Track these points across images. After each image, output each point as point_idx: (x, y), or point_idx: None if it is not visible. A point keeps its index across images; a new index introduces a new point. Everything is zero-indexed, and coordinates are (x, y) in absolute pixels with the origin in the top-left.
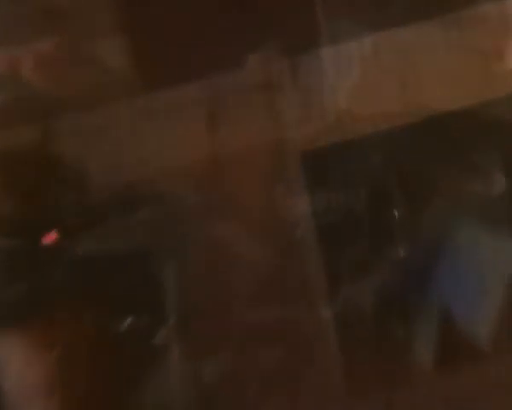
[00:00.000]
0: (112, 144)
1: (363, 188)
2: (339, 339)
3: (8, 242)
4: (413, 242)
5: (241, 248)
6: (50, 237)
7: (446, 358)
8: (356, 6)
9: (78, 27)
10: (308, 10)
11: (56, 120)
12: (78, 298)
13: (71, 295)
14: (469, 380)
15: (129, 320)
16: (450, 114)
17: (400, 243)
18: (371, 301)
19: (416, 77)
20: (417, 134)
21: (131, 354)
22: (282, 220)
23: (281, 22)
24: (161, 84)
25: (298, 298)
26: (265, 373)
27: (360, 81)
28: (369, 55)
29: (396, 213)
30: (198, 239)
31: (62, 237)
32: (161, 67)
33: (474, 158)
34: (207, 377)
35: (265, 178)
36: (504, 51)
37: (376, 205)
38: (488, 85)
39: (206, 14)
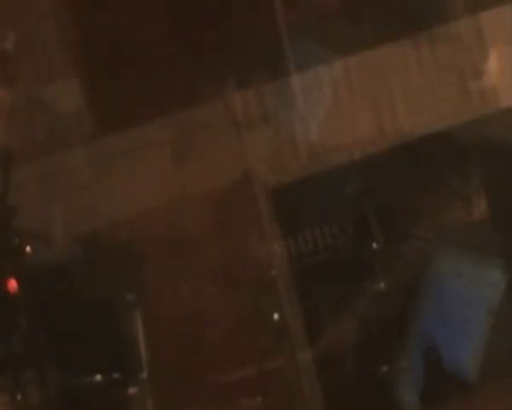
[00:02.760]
0: (72, 191)
1: (338, 222)
2: (320, 383)
3: None
4: (394, 274)
5: (212, 294)
6: (10, 285)
7: (433, 394)
8: (323, 28)
9: (31, 73)
10: (271, 36)
11: (16, 171)
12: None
13: (36, 351)
14: None
15: (99, 376)
16: (427, 138)
17: (380, 277)
18: (352, 339)
19: (389, 100)
20: (393, 161)
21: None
22: (255, 262)
23: (242, 51)
24: (120, 125)
25: (275, 343)
26: None
27: (331, 108)
28: (340, 80)
29: (375, 246)
30: (164, 286)
31: (24, 288)
32: (119, 107)
33: (452, 183)
34: None
35: (235, 218)
36: (481, 67)
37: (353, 239)
38: (465, 105)
39: (165, 51)
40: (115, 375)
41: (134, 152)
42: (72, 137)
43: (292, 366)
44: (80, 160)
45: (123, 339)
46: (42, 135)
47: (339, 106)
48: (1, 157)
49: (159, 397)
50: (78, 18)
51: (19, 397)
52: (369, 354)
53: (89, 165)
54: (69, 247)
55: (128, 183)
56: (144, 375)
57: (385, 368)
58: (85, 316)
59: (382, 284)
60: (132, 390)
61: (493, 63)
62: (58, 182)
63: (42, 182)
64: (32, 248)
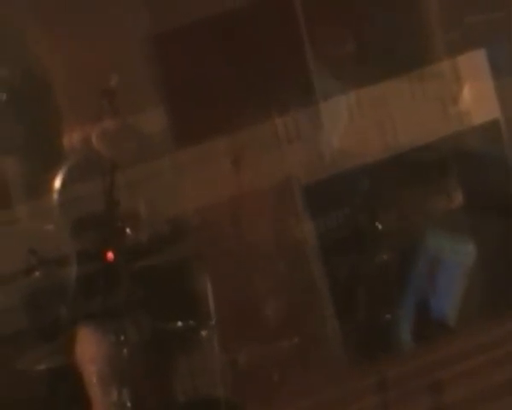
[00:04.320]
0: (156, 189)
1: (353, 210)
2: (340, 328)
3: (83, 267)
4: (394, 248)
5: (261, 263)
6: (109, 256)
7: (422, 334)
8: (342, 67)
9: (127, 104)
10: (304, 74)
11: (115, 175)
12: (138, 309)
13: (132, 306)
14: (440, 350)
15: (180, 323)
16: (418, 149)
17: (384, 250)
18: (363, 296)
19: (390, 121)
20: (394, 165)
21: (183, 347)
22: (293, 239)
23: (283, 86)
24: (193, 141)
25: (306, 297)
26: (284, 356)
27: (348, 127)
28: (354, 106)
29: (379, 227)
30: (227, 258)
31: (121, 258)
32: (192, 127)
33: (437, 181)
34: (241, 362)
35: (279, 207)
36: (457, 97)
37: (364, 221)
38: (446, 124)
39: (226, 87)
40: (191, 322)
41: (204, 161)
42: (157, 150)
43: (319, 316)
44: (163, 167)
45: (197, 296)
46: (135, 149)
47: (353, 125)
48: (109, 166)
49: (222, 338)
50: (162, 64)
51: (122, 338)
52: (376, 306)
53: (169, 170)
54: (154, 229)
55: (199, 183)
56: (213, 322)
57: (388, 316)
58: (170, 279)
59: (385, 256)
60: (204, 333)
61: (466, 93)
62: (146, 183)
63: (135, 183)
64: (130, 229)
